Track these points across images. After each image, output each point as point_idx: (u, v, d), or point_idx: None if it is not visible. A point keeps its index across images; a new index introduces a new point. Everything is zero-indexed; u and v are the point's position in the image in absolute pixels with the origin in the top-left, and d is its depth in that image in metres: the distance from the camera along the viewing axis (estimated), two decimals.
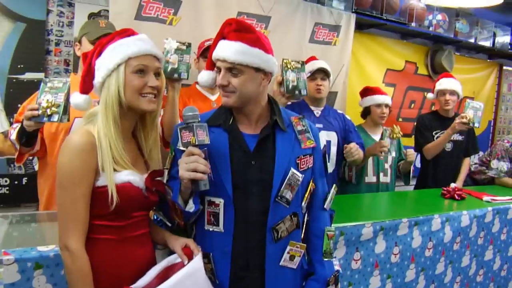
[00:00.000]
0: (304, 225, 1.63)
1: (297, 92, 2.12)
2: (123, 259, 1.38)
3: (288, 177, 1.49)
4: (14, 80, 2.60)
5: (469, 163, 3.57)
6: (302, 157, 1.54)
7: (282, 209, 1.50)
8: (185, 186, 1.38)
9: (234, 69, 1.44)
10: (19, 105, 2.56)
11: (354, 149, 2.54)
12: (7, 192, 2.65)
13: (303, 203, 1.58)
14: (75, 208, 1.29)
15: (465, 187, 3.21)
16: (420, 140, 3.40)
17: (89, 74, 1.40)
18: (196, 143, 1.34)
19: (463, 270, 2.61)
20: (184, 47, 2.01)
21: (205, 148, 1.41)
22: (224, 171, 1.46)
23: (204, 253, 1.50)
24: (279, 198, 1.49)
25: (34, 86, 2.61)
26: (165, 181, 1.50)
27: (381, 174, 3.10)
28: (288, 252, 1.51)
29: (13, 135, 1.88)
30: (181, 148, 1.37)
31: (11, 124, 2.59)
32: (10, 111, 2.60)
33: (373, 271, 2.19)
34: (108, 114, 1.34)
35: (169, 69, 1.96)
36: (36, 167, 2.66)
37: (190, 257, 1.45)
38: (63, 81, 1.69)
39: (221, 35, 1.50)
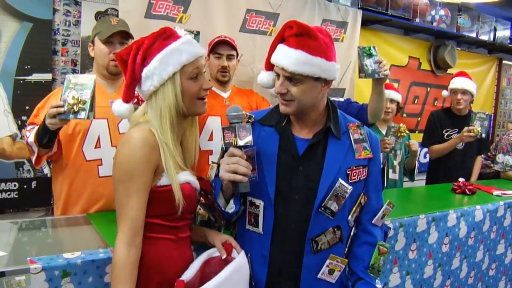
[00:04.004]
0: (350, 240, 1.57)
1: None
2: (177, 259, 1.39)
3: (335, 187, 1.42)
4: (22, 82, 2.54)
5: (481, 160, 3.60)
6: (354, 168, 1.46)
7: (325, 220, 1.44)
8: (225, 186, 1.37)
9: (293, 78, 1.38)
10: (26, 107, 2.53)
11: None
12: (16, 196, 2.59)
13: (349, 217, 1.50)
14: (127, 203, 1.27)
15: (473, 182, 3.24)
16: (426, 139, 3.46)
17: (134, 82, 1.36)
18: (238, 145, 1.31)
19: (477, 264, 2.62)
20: (193, 35, 1.98)
21: (254, 148, 1.38)
22: (269, 173, 1.42)
23: None
24: (322, 208, 1.43)
25: (41, 87, 2.57)
26: (213, 175, 1.50)
27: (390, 171, 3.09)
28: (327, 266, 1.45)
29: (31, 137, 1.82)
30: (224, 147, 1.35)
31: (19, 126, 2.54)
32: (18, 113, 2.54)
33: (392, 268, 2.18)
34: (164, 122, 1.33)
35: None
36: (46, 170, 2.62)
37: (229, 252, 1.45)
38: (88, 77, 1.65)
39: (281, 38, 1.43)
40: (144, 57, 1.33)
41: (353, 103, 2.60)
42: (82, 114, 1.62)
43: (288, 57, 1.36)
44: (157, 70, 1.31)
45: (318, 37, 1.37)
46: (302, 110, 1.44)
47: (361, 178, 1.49)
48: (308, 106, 1.43)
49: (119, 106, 1.40)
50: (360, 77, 2.24)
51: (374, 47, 2.22)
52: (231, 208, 1.39)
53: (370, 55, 2.19)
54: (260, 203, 1.43)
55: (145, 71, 1.32)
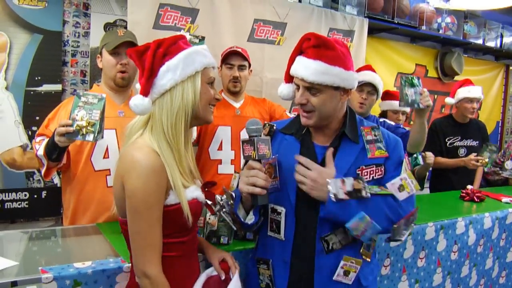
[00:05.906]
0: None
1: None
2: (187, 273, 1.36)
3: None
4: (32, 92, 2.58)
5: (483, 168, 3.59)
6: (365, 167, 1.46)
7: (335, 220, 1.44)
8: (245, 198, 1.39)
9: (313, 88, 1.40)
10: (37, 118, 2.57)
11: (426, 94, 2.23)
12: (27, 206, 2.62)
13: None
14: (153, 233, 1.23)
15: (482, 189, 3.22)
16: (426, 149, 3.43)
17: (152, 76, 1.28)
18: (257, 158, 1.33)
19: (487, 272, 2.60)
20: (197, 40, 1.99)
21: (276, 155, 1.42)
22: (290, 181, 1.44)
23: (264, 259, 1.50)
24: None
25: (51, 98, 2.61)
26: (236, 185, 1.51)
27: None
28: (342, 267, 1.45)
29: (41, 151, 1.84)
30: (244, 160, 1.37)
31: (29, 136, 2.58)
32: (28, 123, 2.58)
33: (401, 276, 2.17)
34: (178, 122, 1.28)
35: None
36: (55, 180, 2.65)
37: (227, 271, 1.45)
38: (98, 96, 1.64)
39: (299, 50, 1.45)
40: (165, 54, 1.29)
41: (399, 128, 2.61)
42: (90, 137, 1.62)
43: (307, 67, 1.39)
44: (182, 64, 1.27)
45: (336, 48, 1.40)
46: (322, 120, 1.46)
47: (374, 177, 1.47)
48: (328, 115, 1.46)
49: (141, 100, 1.27)
50: (399, 106, 2.24)
51: (418, 78, 2.22)
52: (250, 219, 1.41)
53: (412, 85, 2.19)
54: (282, 209, 1.46)
55: (168, 64, 1.27)
